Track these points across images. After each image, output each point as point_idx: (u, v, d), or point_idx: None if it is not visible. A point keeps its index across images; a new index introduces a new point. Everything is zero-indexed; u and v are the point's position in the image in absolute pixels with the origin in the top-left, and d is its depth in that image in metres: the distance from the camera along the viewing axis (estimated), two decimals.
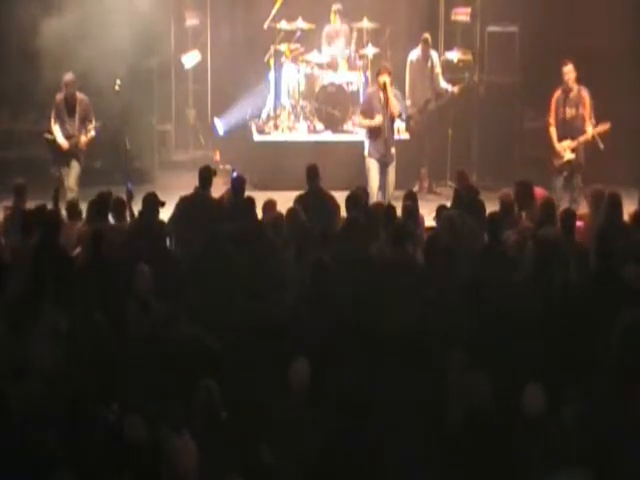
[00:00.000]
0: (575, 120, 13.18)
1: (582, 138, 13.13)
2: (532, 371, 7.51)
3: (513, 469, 6.63)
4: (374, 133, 13.45)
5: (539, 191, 11.56)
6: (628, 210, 10.81)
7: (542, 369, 7.61)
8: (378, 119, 13.33)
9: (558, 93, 13.27)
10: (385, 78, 13.26)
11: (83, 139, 13.32)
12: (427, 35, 15.31)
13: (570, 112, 13.17)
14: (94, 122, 13.39)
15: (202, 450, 6.88)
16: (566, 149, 13.17)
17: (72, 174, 13.28)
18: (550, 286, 8.78)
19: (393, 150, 13.45)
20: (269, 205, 11.16)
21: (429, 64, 15.35)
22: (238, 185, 11.46)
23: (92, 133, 13.38)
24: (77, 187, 13.21)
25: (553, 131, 13.27)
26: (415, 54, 15.38)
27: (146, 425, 6.68)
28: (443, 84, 15.42)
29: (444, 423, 7.20)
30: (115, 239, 10.09)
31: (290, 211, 10.64)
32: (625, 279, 8.93)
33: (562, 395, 7.15)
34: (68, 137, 13.30)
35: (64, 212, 11.26)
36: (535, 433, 6.76)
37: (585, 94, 13.17)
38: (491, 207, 11.14)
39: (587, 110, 13.14)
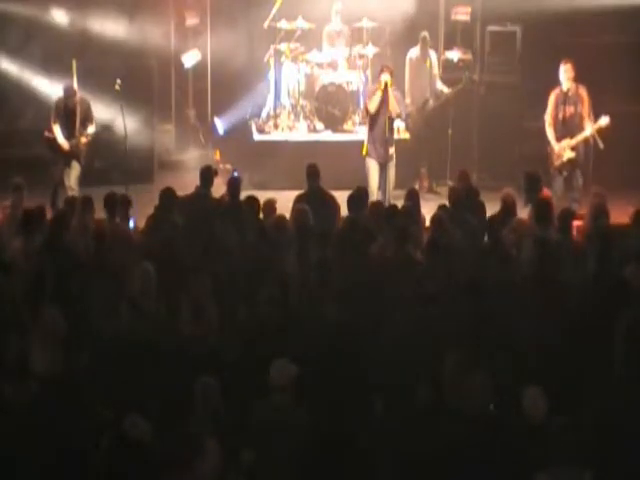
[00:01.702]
0: (574, 118, 13.15)
1: (581, 136, 13.09)
2: (532, 372, 7.51)
3: (513, 470, 6.62)
4: (374, 133, 13.46)
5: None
6: (628, 211, 10.82)
7: (542, 369, 7.61)
8: (378, 95, 13.32)
9: (557, 92, 13.24)
10: (386, 77, 13.26)
11: (83, 139, 13.33)
12: (425, 34, 15.37)
13: (569, 110, 13.14)
14: (94, 122, 13.39)
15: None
16: (566, 148, 13.15)
17: (72, 174, 13.29)
18: (550, 286, 8.78)
19: (392, 150, 13.43)
20: (269, 205, 11.16)
21: (427, 63, 15.40)
22: (234, 186, 11.46)
23: (92, 133, 13.39)
24: (77, 187, 13.21)
25: (551, 131, 13.23)
26: (414, 52, 15.44)
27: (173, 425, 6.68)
28: (439, 85, 15.49)
29: (443, 423, 7.18)
30: (120, 238, 10.12)
31: (298, 211, 10.64)
32: (625, 279, 8.93)
33: (563, 396, 7.15)
34: (68, 137, 13.30)
35: None
36: (536, 435, 6.74)
37: (583, 92, 13.15)
38: (491, 207, 11.16)
39: (586, 108, 13.12)
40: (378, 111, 13.38)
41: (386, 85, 13.24)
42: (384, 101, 13.28)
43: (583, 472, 6.35)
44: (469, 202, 11.18)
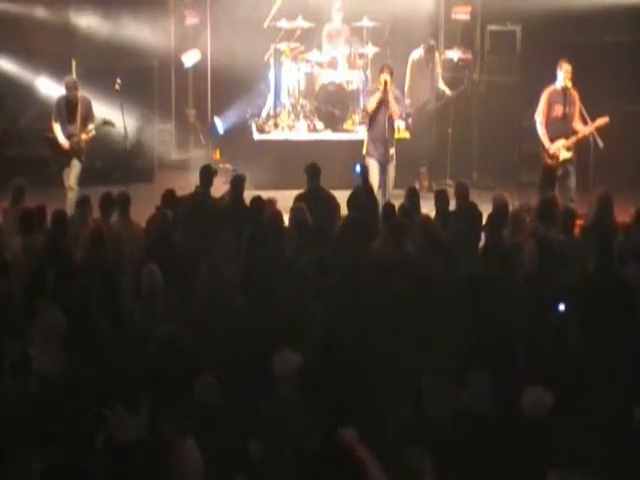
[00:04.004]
0: (568, 118, 13.03)
1: (580, 135, 12.97)
2: (533, 371, 7.51)
3: (513, 471, 6.62)
4: (373, 133, 13.45)
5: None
6: (629, 211, 10.82)
7: (543, 369, 7.60)
8: (378, 96, 13.30)
9: (551, 90, 13.04)
10: (386, 77, 13.24)
11: (84, 137, 13.31)
12: (432, 42, 15.42)
13: (565, 110, 13.02)
14: (95, 121, 13.38)
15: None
16: (561, 149, 13.01)
17: (72, 173, 13.26)
18: (551, 286, 8.78)
19: (392, 151, 13.41)
20: (268, 204, 11.16)
21: (430, 65, 15.44)
22: (237, 184, 11.47)
23: (93, 132, 13.38)
24: (77, 186, 13.20)
25: (543, 131, 13.01)
26: (417, 54, 15.46)
27: (149, 427, 6.66)
28: (441, 85, 15.48)
29: (443, 424, 7.18)
30: (113, 238, 10.11)
31: (296, 209, 10.65)
32: (625, 278, 8.93)
33: (563, 395, 7.14)
34: (69, 136, 13.28)
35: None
36: (536, 434, 6.74)
37: (576, 94, 13.06)
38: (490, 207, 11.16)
39: (577, 110, 13.05)
40: (377, 111, 13.37)
41: (386, 85, 13.23)
42: (383, 101, 13.26)
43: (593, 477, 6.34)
44: (466, 212, 11.20)
